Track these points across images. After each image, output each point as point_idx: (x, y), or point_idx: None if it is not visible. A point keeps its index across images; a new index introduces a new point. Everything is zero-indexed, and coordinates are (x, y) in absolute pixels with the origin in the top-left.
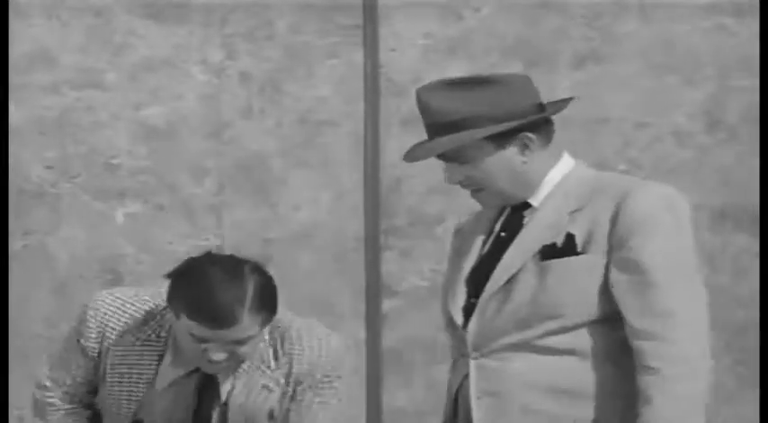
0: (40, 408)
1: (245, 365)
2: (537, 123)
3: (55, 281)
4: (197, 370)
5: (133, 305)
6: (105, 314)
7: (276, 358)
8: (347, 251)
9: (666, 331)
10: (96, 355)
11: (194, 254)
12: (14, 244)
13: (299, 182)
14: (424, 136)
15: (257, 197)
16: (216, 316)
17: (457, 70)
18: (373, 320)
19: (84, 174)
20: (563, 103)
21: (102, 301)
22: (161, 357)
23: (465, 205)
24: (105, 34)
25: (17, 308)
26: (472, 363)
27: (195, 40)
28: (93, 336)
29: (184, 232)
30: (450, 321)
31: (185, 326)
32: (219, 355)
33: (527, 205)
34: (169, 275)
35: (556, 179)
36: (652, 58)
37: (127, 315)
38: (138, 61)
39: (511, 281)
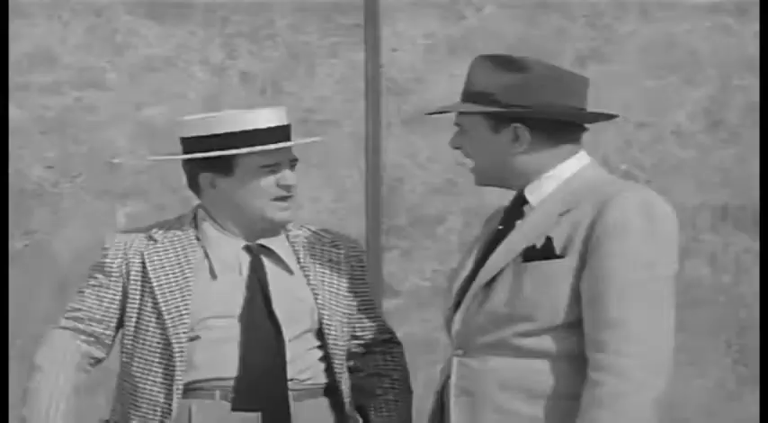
0: (40, 340)
1: (297, 244)
2: (536, 120)
3: (56, 281)
4: (248, 252)
5: (149, 225)
6: (125, 234)
7: (319, 238)
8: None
9: (615, 342)
10: (119, 270)
11: None
12: (15, 244)
13: (300, 181)
14: (425, 136)
15: None
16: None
17: (458, 70)
18: None
19: (85, 174)
20: (593, 115)
21: (120, 232)
22: (203, 250)
23: (466, 205)
24: (106, 34)
25: (18, 308)
26: (455, 361)
27: (196, 39)
28: (113, 253)
29: None
30: (445, 318)
31: (248, 167)
32: (293, 176)
33: (527, 201)
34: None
35: (560, 178)
36: (653, 57)
37: (148, 230)
38: (138, 61)
39: (493, 281)
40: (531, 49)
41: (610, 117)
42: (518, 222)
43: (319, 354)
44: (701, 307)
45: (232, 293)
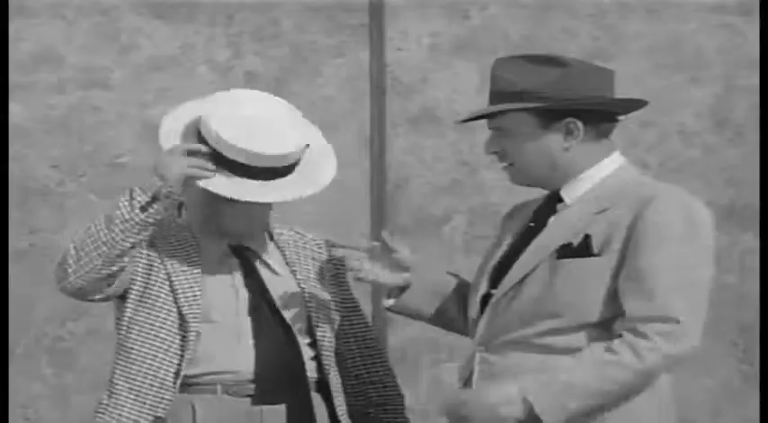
0: (103, 221)
1: (281, 242)
2: (588, 112)
3: None
4: (233, 252)
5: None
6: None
7: (302, 237)
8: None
9: (652, 327)
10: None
11: None
12: (20, 243)
13: None
14: (430, 135)
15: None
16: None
17: (463, 70)
18: (378, 320)
19: (90, 173)
20: (633, 103)
21: None
22: (194, 246)
23: (471, 205)
24: (111, 33)
25: (23, 307)
26: (477, 356)
27: (201, 39)
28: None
29: None
30: (470, 316)
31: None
32: (236, 221)
33: (561, 199)
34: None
35: (596, 178)
36: (658, 57)
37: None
38: (143, 60)
39: (525, 278)
40: (537, 48)
41: (645, 103)
42: (551, 220)
43: (310, 351)
44: None
45: (227, 291)
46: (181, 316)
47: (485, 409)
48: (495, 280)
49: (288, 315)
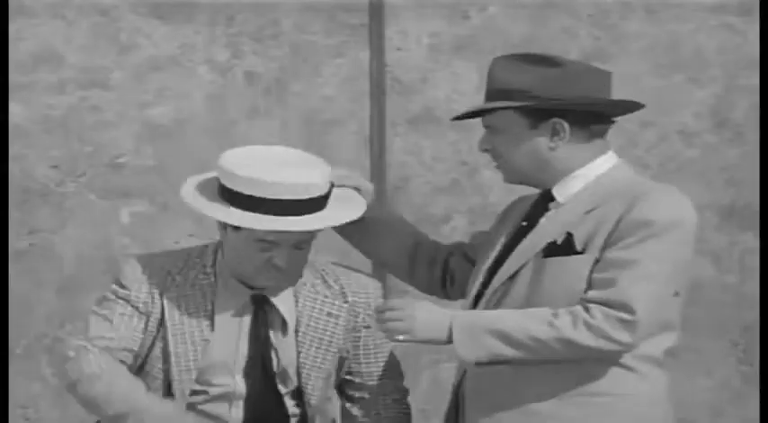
0: (78, 362)
1: (301, 295)
2: (576, 113)
3: (60, 280)
4: (253, 303)
5: (168, 255)
6: (145, 266)
7: (328, 287)
8: (353, 250)
9: (609, 296)
10: (144, 306)
11: None
12: (20, 243)
13: None
14: (430, 135)
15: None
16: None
17: (463, 70)
18: None
19: (90, 173)
20: (624, 104)
21: (135, 258)
22: (214, 294)
23: (471, 205)
24: (111, 33)
25: (22, 307)
26: None
27: (201, 39)
28: (137, 286)
29: (190, 231)
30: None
31: (249, 234)
32: (285, 259)
33: (554, 198)
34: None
35: (589, 176)
36: (658, 57)
37: (168, 263)
38: (143, 60)
39: (514, 276)
40: (537, 48)
41: (641, 106)
42: (542, 219)
43: (297, 411)
44: (705, 306)
45: (230, 347)
46: (170, 387)
47: (414, 320)
48: (489, 278)
49: (280, 379)
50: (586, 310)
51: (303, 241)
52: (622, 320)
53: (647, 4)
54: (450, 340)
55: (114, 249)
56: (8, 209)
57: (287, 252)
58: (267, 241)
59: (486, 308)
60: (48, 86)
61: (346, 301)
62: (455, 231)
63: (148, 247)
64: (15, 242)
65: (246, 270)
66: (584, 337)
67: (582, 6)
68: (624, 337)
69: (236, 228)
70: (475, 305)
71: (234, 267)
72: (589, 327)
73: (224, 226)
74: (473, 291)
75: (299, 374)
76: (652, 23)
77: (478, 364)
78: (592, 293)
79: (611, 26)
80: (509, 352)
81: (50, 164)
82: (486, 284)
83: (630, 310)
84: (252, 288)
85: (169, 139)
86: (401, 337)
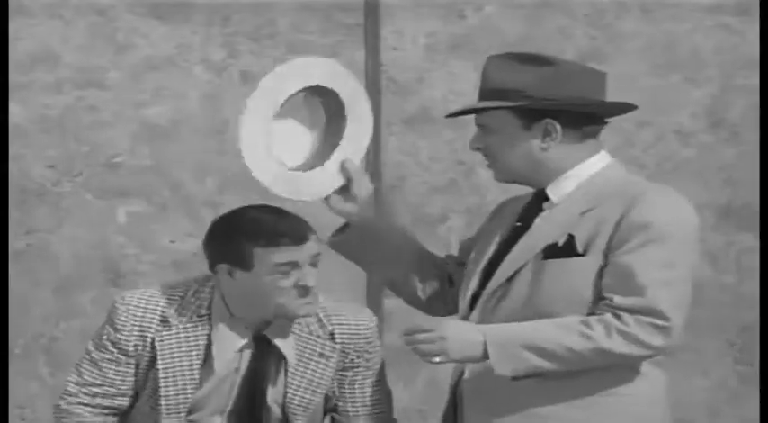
0: (64, 418)
1: (294, 336)
2: (568, 114)
3: (57, 280)
4: (254, 343)
5: (164, 295)
6: (138, 307)
7: (322, 326)
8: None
9: (629, 303)
10: (135, 349)
11: (197, 253)
12: (17, 243)
13: None
14: (425, 135)
15: (259, 196)
16: (296, 226)
17: (459, 69)
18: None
19: (86, 173)
20: (617, 106)
21: (131, 297)
22: (209, 337)
23: (467, 205)
24: (107, 33)
25: (19, 307)
26: None
27: (197, 39)
28: (128, 329)
29: (186, 231)
30: (460, 315)
31: (266, 264)
32: (312, 276)
33: (548, 198)
34: (224, 233)
35: (583, 176)
36: (655, 57)
37: (162, 304)
38: (140, 60)
39: (513, 277)
40: (532, 48)
41: (634, 108)
42: (537, 220)
43: None
44: (703, 306)
45: (222, 389)
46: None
47: (446, 340)
48: (485, 279)
49: (265, 420)
50: (617, 317)
51: (316, 255)
52: (656, 326)
53: (642, 4)
54: (485, 357)
55: (111, 249)
56: (8, 209)
57: (308, 270)
58: (286, 264)
59: (485, 309)
60: (44, 86)
61: (336, 343)
62: (451, 231)
63: (145, 247)
64: (13, 242)
65: (278, 302)
66: (619, 345)
67: (578, 6)
68: (659, 341)
69: (248, 267)
70: (472, 306)
71: (253, 306)
72: (623, 334)
73: (229, 273)
74: (469, 292)
75: (284, 414)
76: (648, 23)
77: (515, 378)
78: (618, 300)
79: (606, 26)
80: (546, 364)
81: (47, 163)
82: (482, 285)
83: (663, 316)
84: (256, 328)
85: (166, 138)
86: (437, 360)
